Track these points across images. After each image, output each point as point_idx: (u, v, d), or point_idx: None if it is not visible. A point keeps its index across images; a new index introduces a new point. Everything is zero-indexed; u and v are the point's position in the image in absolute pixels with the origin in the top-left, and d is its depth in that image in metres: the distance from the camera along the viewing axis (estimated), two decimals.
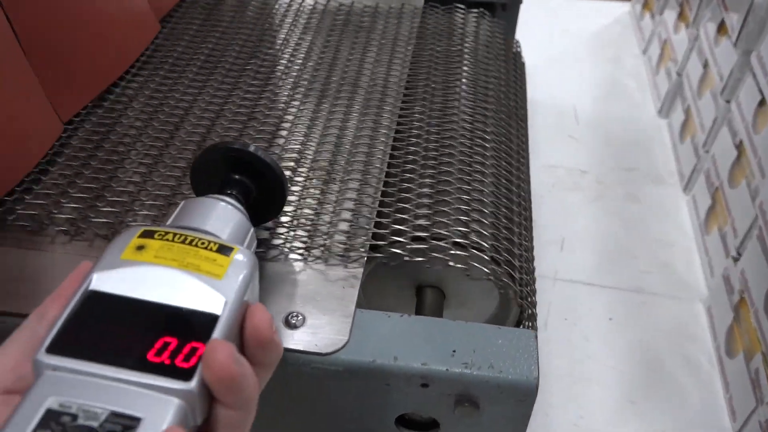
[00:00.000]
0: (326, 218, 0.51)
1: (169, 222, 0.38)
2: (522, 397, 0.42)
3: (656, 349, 0.80)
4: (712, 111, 0.91)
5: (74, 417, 0.27)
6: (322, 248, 0.48)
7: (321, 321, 0.44)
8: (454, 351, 0.42)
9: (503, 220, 0.53)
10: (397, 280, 0.52)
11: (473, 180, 0.54)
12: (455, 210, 0.51)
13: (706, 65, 0.96)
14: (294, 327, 0.43)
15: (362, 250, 0.48)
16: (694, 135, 0.98)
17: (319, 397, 0.45)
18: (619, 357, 0.79)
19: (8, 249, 0.47)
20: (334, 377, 0.43)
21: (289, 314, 0.44)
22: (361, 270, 0.47)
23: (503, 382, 0.41)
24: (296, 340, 0.42)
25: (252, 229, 0.41)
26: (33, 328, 0.31)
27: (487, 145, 0.59)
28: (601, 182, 1.03)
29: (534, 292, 0.54)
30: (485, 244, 0.49)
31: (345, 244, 0.49)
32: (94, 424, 0.26)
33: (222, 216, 0.39)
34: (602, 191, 1.01)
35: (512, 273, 0.50)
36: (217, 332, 0.30)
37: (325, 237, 0.49)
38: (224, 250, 0.34)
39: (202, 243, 0.34)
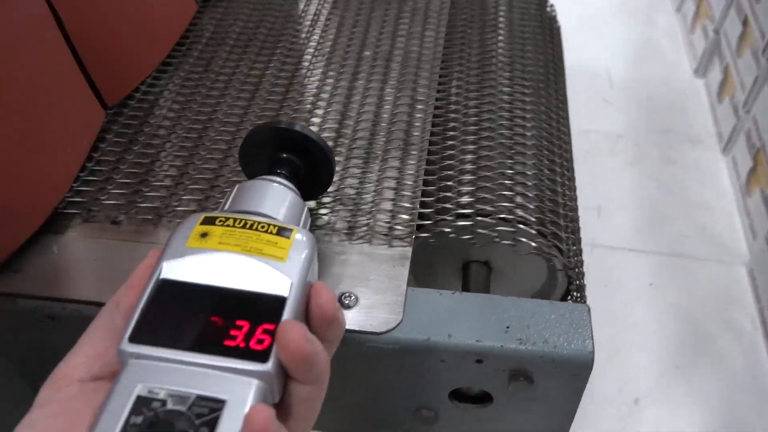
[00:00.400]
0: (370, 197, 0.51)
1: (226, 207, 0.39)
2: (577, 371, 0.42)
3: (699, 314, 0.80)
4: (754, 70, 0.89)
5: (163, 402, 0.28)
6: (366, 227, 0.49)
7: (374, 300, 0.44)
8: (507, 327, 0.43)
9: (548, 192, 0.53)
10: (444, 257, 0.52)
11: (516, 152, 0.54)
12: (501, 184, 0.51)
13: (745, 23, 0.93)
14: (347, 307, 0.44)
15: (410, 228, 0.48)
16: (734, 94, 0.96)
17: (374, 375, 0.45)
18: (662, 322, 0.79)
19: (86, 239, 0.48)
20: (390, 355, 0.43)
21: (342, 295, 0.44)
22: (410, 248, 0.47)
23: (558, 357, 0.42)
24: (350, 320, 0.43)
25: (306, 208, 0.41)
26: (110, 317, 0.32)
27: (528, 116, 0.58)
28: (636, 146, 1.01)
29: (581, 262, 0.53)
30: (532, 218, 0.49)
31: (392, 222, 0.49)
32: (183, 408, 0.28)
33: (277, 197, 0.39)
34: (638, 155, 1.00)
35: (559, 245, 0.50)
36: (287, 313, 0.31)
37: (370, 216, 0.49)
38: (284, 231, 0.35)
39: (262, 227, 0.35)
